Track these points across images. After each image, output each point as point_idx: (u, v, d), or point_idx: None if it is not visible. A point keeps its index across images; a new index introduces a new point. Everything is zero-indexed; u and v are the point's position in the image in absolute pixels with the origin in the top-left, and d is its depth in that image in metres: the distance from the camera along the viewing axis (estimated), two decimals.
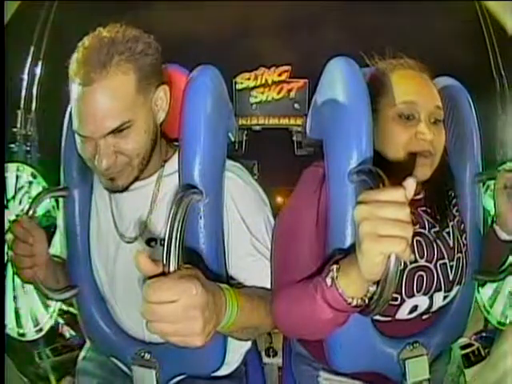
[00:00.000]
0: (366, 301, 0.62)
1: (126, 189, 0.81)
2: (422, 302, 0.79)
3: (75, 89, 0.73)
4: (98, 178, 0.83)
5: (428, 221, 0.81)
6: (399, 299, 0.77)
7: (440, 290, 0.80)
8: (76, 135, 0.78)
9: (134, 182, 0.81)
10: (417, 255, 0.78)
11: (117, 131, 0.74)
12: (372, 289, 0.61)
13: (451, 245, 0.82)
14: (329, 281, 0.63)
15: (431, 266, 0.79)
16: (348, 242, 0.72)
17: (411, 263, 0.77)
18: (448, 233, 0.82)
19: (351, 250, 0.60)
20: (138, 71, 0.75)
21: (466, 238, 0.85)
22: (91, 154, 0.77)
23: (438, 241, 0.81)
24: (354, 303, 0.62)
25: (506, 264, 0.86)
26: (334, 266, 0.63)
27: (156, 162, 0.85)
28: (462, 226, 0.86)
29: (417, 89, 0.79)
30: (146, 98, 0.78)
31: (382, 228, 0.51)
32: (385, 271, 0.58)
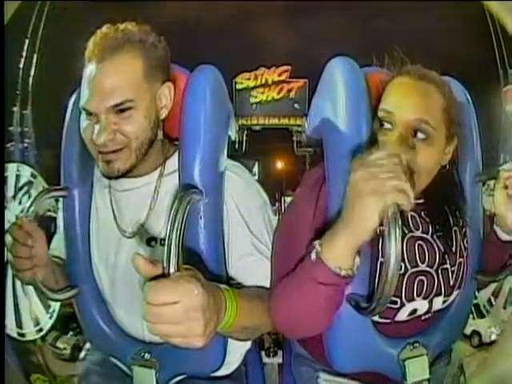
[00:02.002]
0: (355, 272, 0.64)
1: (122, 175, 0.81)
2: (421, 305, 0.79)
3: (89, 67, 0.78)
4: (96, 163, 0.83)
5: (431, 225, 0.81)
6: (399, 303, 0.77)
7: (440, 294, 0.80)
8: (82, 115, 0.81)
9: (131, 170, 0.81)
10: (418, 260, 0.78)
11: (119, 110, 0.77)
12: (358, 260, 0.63)
13: (453, 250, 0.82)
14: (313, 256, 0.64)
15: (432, 271, 0.79)
16: None
17: (412, 268, 0.77)
18: (451, 237, 0.82)
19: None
20: (146, 60, 0.79)
21: (467, 242, 0.85)
22: (91, 133, 0.78)
23: (441, 246, 0.80)
24: (343, 273, 0.63)
25: (506, 264, 0.86)
26: (317, 242, 0.65)
27: (157, 158, 0.85)
28: (464, 230, 0.85)
29: (398, 98, 0.76)
30: (150, 87, 0.80)
31: (383, 184, 0.57)
32: (385, 270, 0.58)
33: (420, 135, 0.74)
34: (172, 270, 0.54)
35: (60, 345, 6.56)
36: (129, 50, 0.78)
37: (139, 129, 0.79)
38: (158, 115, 0.82)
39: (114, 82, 0.77)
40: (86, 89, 0.78)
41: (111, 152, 0.78)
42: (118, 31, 0.79)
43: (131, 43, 0.78)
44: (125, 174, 0.81)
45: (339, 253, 0.62)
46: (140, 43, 0.79)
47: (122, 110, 0.77)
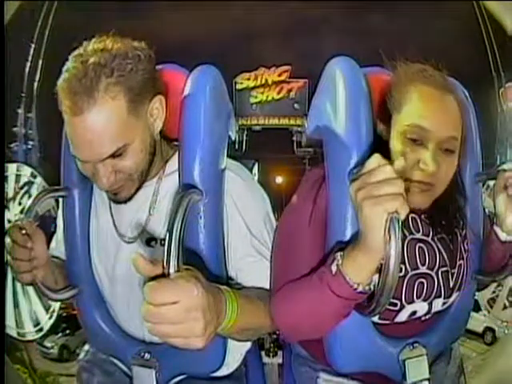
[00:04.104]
0: (372, 288, 0.63)
1: (129, 199, 0.82)
2: (420, 307, 0.79)
3: (65, 116, 0.73)
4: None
5: (431, 227, 0.81)
6: (399, 305, 0.77)
7: (440, 296, 0.80)
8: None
9: (137, 191, 0.82)
10: (418, 262, 0.77)
11: (113, 155, 0.75)
12: (376, 278, 0.63)
13: (454, 252, 0.81)
14: (334, 268, 0.64)
15: (432, 273, 0.78)
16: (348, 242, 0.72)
17: (412, 270, 0.77)
18: (451, 239, 0.82)
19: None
20: (128, 92, 0.73)
21: (467, 244, 0.85)
22: (91, 173, 0.78)
23: (441, 248, 0.80)
24: (360, 289, 0.63)
25: (507, 264, 0.85)
26: (339, 253, 0.64)
27: (157, 165, 0.85)
28: (464, 231, 0.85)
29: (434, 115, 0.73)
30: (139, 117, 0.76)
31: (376, 189, 0.57)
32: (385, 272, 0.58)
33: (448, 150, 0.74)
34: (172, 270, 0.54)
35: (48, 344, 6.53)
36: (105, 89, 0.70)
37: (137, 162, 0.78)
38: (153, 135, 0.80)
39: (100, 135, 0.71)
40: (71, 139, 0.74)
41: (115, 188, 0.79)
42: (87, 66, 0.69)
43: (107, 77, 0.70)
44: (133, 197, 0.82)
45: (359, 268, 0.62)
46: (118, 72, 0.71)
47: (118, 155, 0.75)
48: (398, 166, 0.61)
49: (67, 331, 6.67)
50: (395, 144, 0.75)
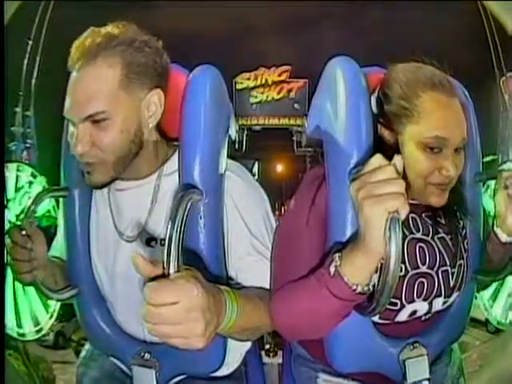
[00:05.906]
0: (371, 288, 0.63)
1: (102, 186, 0.81)
2: (421, 307, 0.79)
3: (71, 74, 0.77)
4: None
5: (432, 226, 0.81)
6: (399, 304, 0.77)
7: (440, 296, 0.80)
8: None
9: (112, 181, 0.81)
10: (419, 262, 0.77)
11: (94, 120, 0.75)
12: (375, 278, 0.62)
13: (454, 251, 0.82)
14: (332, 269, 0.64)
15: (433, 272, 0.79)
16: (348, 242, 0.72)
17: (413, 269, 0.77)
18: (451, 239, 0.82)
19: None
20: (126, 67, 0.76)
21: (467, 243, 0.85)
22: (73, 139, 0.78)
23: (441, 247, 0.80)
24: (359, 290, 0.63)
25: (506, 265, 0.85)
26: (337, 255, 0.64)
27: (151, 163, 0.85)
28: (464, 231, 0.86)
29: (450, 123, 0.74)
30: (131, 97, 0.77)
31: (377, 188, 0.57)
32: (385, 272, 0.58)
33: (459, 149, 0.76)
34: (172, 271, 0.54)
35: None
36: (106, 56, 0.75)
37: (115, 143, 0.77)
38: (141, 127, 0.80)
39: (87, 92, 0.75)
40: (67, 96, 0.77)
41: (87, 164, 0.78)
42: (98, 35, 0.76)
43: (111, 49, 0.75)
44: (106, 186, 0.81)
45: (357, 269, 0.62)
46: (121, 48, 0.76)
47: (97, 121, 0.75)
48: (398, 164, 0.60)
49: (64, 317, 6.65)
50: (413, 153, 0.74)
